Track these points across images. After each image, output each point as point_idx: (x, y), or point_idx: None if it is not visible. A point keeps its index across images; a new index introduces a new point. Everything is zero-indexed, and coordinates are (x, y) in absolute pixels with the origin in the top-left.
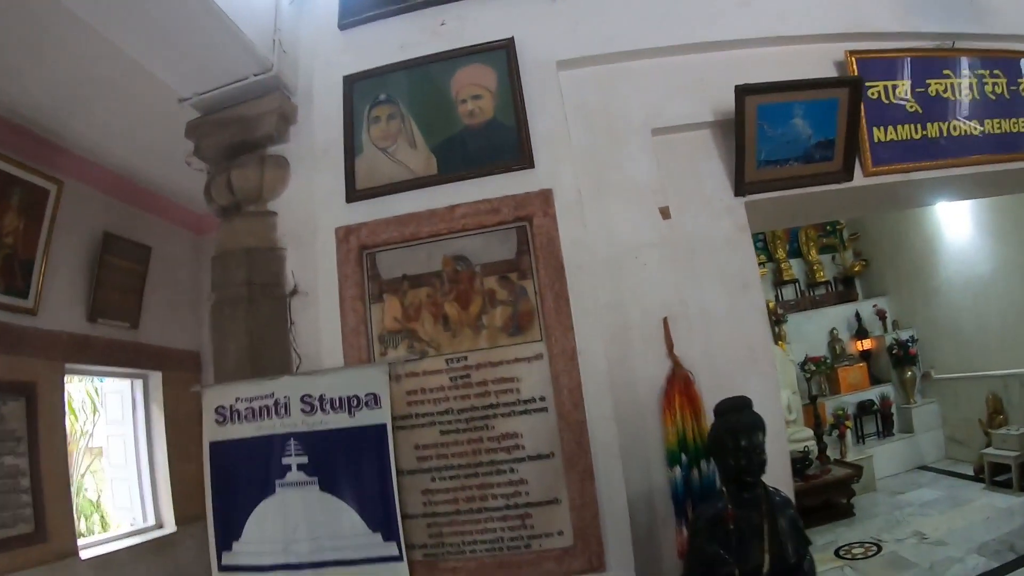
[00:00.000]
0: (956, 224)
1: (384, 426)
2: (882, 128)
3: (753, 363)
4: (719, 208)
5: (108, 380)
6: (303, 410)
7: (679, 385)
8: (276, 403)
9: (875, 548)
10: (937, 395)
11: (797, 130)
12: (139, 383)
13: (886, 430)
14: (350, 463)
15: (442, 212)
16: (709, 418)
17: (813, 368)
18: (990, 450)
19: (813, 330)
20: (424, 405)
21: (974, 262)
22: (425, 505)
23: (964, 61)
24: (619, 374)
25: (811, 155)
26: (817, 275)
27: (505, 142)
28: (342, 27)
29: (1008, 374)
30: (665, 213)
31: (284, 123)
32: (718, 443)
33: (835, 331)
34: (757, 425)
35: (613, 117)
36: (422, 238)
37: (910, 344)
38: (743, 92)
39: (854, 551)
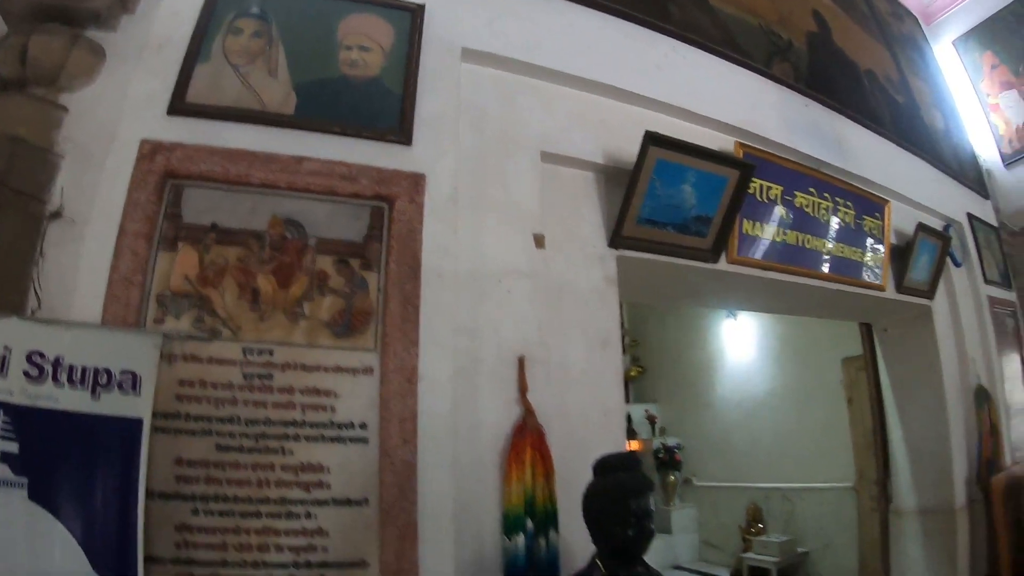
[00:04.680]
0: (738, 346)
1: (139, 422)
2: (751, 222)
3: (607, 429)
4: (592, 254)
5: None
6: (27, 373)
7: (531, 437)
8: None
9: None
10: (696, 501)
11: (683, 197)
12: None
13: None
14: (81, 466)
15: (286, 161)
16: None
17: None
18: (750, 555)
19: None
20: (201, 404)
21: (750, 383)
22: (179, 547)
23: (827, 185)
24: (463, 414)
25: (688, 226)
26: None
27: (384, 108)
28: None
29: (770, 487)
30: (539, 242)
31: (120, 8)
32: (601, 506)
33: None
34: (649, 488)
35: (506, 127)
36: (251, 185)
37: (676, 450)
38: (652, 139)
39: None
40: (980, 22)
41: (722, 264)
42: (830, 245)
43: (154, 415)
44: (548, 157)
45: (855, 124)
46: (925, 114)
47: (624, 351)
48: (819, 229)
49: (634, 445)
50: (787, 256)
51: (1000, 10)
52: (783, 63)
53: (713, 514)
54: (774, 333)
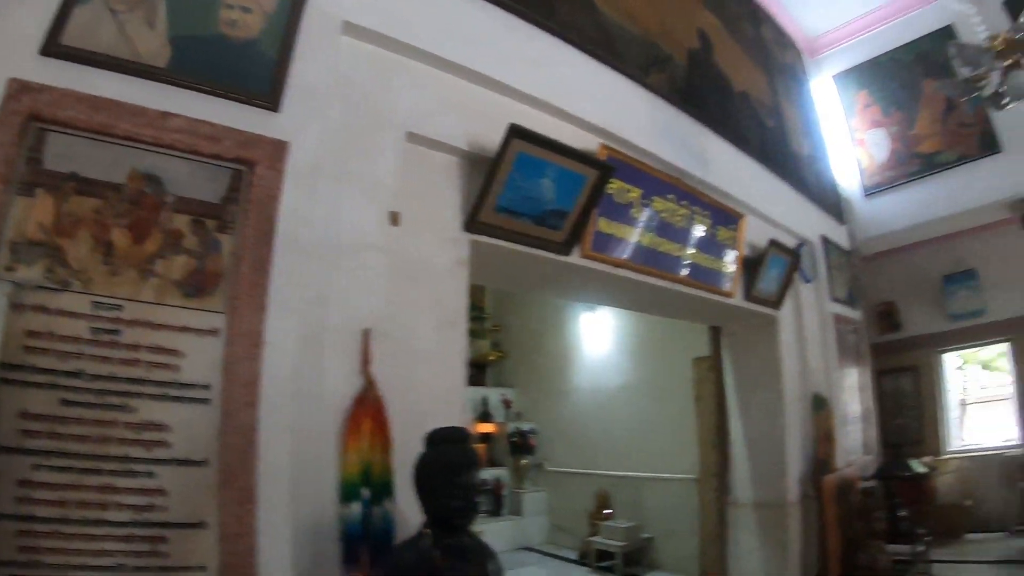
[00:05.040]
0: (595, 338)
1: None
2: (607, 220)
3: (449, 406)
4: (446, 237)
5: None
6: None
7: (371, 408)
8: None
9: None
10: (548, 485)
11: (542, 190)
12: None
13: (496, 510)
14: None
15: (153, 115)
16: (401, 453)
17: None
18: (597, 538)
19: None
20: (47, 357)
21: (605, 375)
22: (20, 503)
23: (686, 194)
24: (306, 381)
25: (544, 219)
26: None
27: (258, 71)
28: None
29: (619, 475)
30: (395, 219)
31: None
32: (429, 478)
33: None
34: (476, 462)
35: (377, 104)
36: (115, 136)
37: (530, 435)
38: (515, 132)
39: None
40: (861, 62)
41: (574, 258)
42: (683, 250)
43: (0, 366)
44: (414, 138)
45: (722, 140)
46: (793, 140)
47: (485, 336)
48: (674, 234)
49: (489, 428)
50: (640, 256)
51: (881, 55)
52: (660, 74)
53: (563, 499)
54: (630, 329)
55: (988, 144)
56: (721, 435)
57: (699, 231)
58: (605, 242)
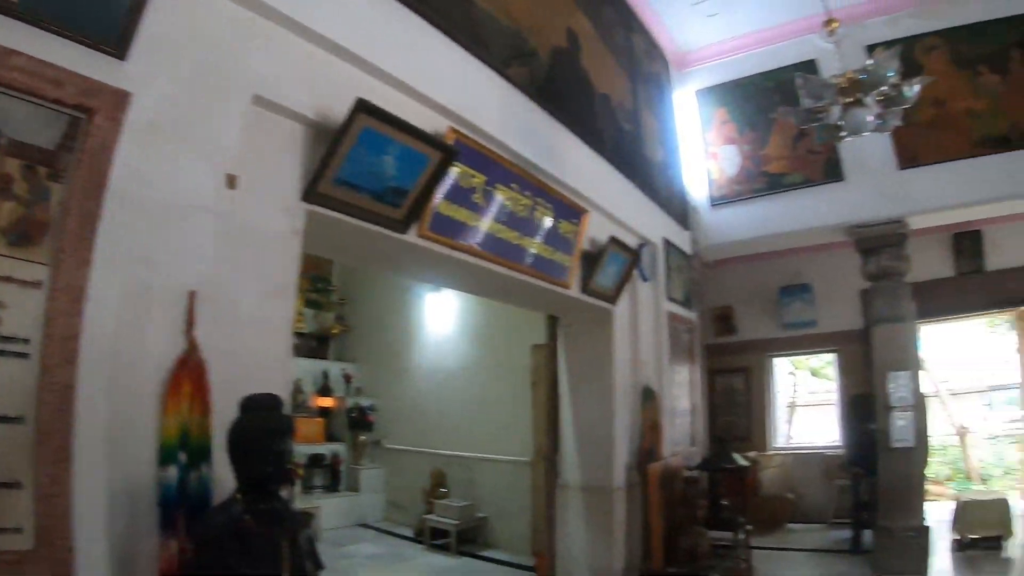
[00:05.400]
0: (439, 319)
1: None
2: (447, 203)
3: (272, 375)
4: (283, 205)
5: None
6: None
7: (192, 371)
8: None
9: None
10: (385, 462)
11: (384, 167)
12: None
13: (333, 485)
14: None
15: None
16: (221, 418)
17: None
18: (432, 516)
19: None
20: None
21: (446, 355)
22: None
23: (531, 185)
24: (128, 340)
25: (384, 196)
26: (298, 325)
27: (108, 16)
28: None
29: (455, 455)
30: (232, 182)
31: None
32: (242, 443)
33: (301, 382)
34: (289, 429)
35: (227, 64)
36: None
37: (369, 411)
38: (363, 107)
39: None
40: (724, 82)
41: (411, 236)
42: (523, 239)
43: None
44: (261, 101)
45: (575, 138)
46: (648, 145)
47: (331, 308)
48: (515, 223)
49: (328, 402)
50: (479, 241)
51: (744, 78)
52: (522, 67)
53: (401, 476)
54: (473, 312)
55: (832, 172)
56: (553, 420)
57: (540, 222)
58: (444, 224)
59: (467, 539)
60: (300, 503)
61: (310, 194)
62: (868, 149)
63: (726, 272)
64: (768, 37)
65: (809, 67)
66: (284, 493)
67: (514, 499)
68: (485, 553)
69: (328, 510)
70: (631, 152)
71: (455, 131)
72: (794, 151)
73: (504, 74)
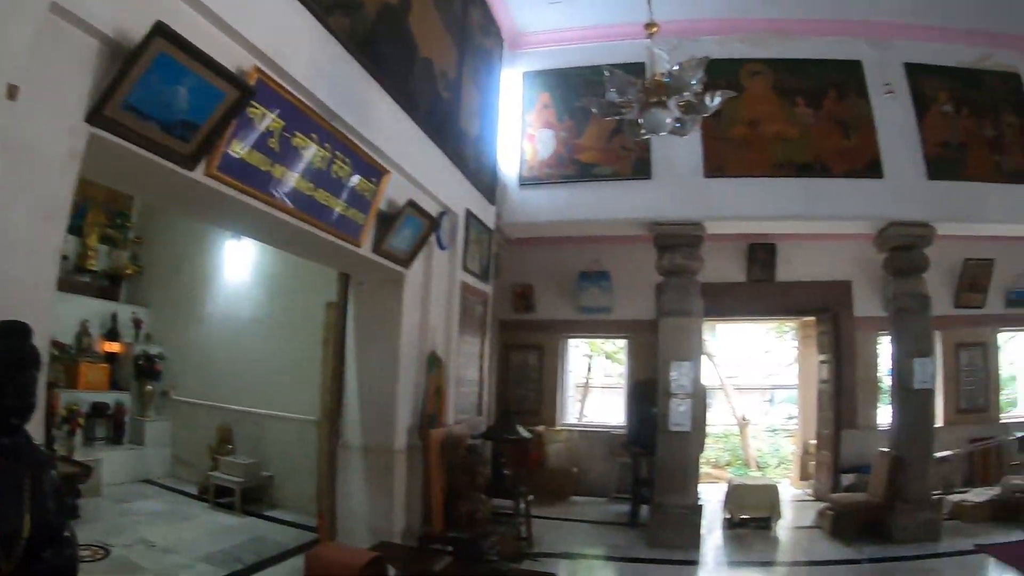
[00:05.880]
0: (236, 267)
1: None
2: (241, 144)
3: (31, 306)
4: (64, 125)
5: None
6: None
7: None
8: None
9: (103, 552)
10: (173, 415)
11: (177, 98)
12: None
13: (116, 438)
14: None
15: None
16: None
17: (56, 354)
18: (217, 474)
19: (65, 314)
20: None
21: (240, 306)
22: None
23: (331, 137)
24: None
25: (173, 128)
26: (89, 261)
27: None
28: None
29: (242, 410)
30: (13, 93)
31: None
32: None
33: (87, 323)
34: (35, 361)
35: None
36: None
37: (157, 360)
38: (161, 30)
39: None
40: (552, 68)
41: (198, 174)
42: (316, 191)
43: None
44: (58, 9)
45: (388, 97)
46: (464, 117)
47: (126, 246)
48: (310, 173)
49: (115, 347)
50: (269, 187)
51: (573, 67)
52: (343, 18)
53: (188, 430)
54: (271, 263)
55: (642, 170)
56: (338, 379)
57: (337, 176)
58: (235, 166)
59: (253, 498)
60: (80, 455)
61: (95, 116)
62: (679, 154)
63: (529, 251)
64: (604, 34)
65: (637, 69)
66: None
67: (301, 458)
68: (271, 513)
69: (110, 464)
70: (445, 120)
71: (260, 71)
72: (608, 144)
73: (324, 21)
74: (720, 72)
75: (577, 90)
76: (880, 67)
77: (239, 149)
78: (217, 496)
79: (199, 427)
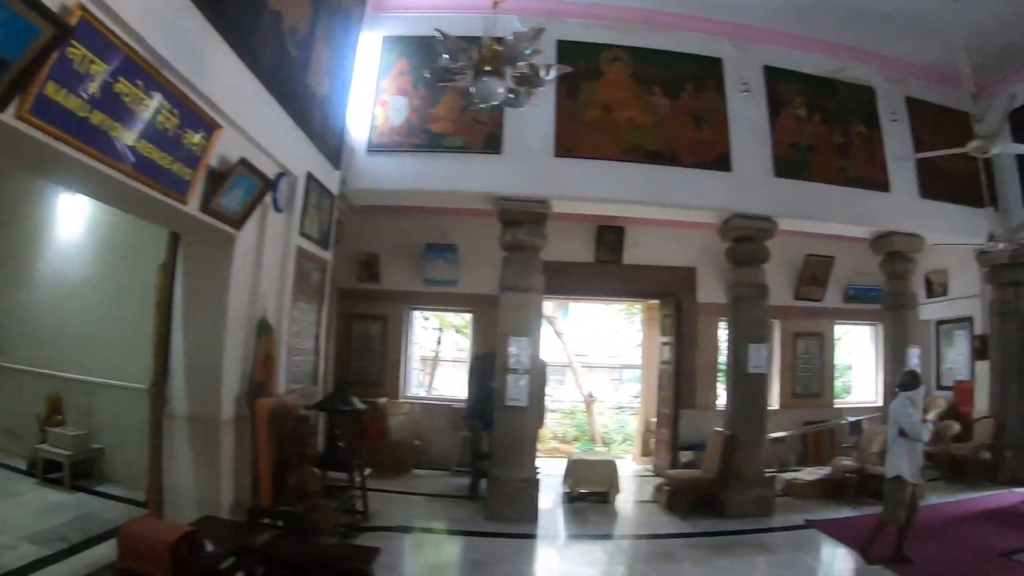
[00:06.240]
0: (67, 224)
1: None
2: (59, 88)
3: None
4: None
5: None
6: None
7: None
8: None
9: None
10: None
11: None
12: None
13: None
14: None
15: None
16: None
17: None
18: (45, 447)
19: None
20: None
21: (70, 265)
22: None
23: (159, 86)
24: None
25: None
26: None
27: None
28: None
29: (72, 378)
30: None
31: None
32: None
33: None
34: None
35: None
36: None
37: None
38: None
39: None
40: (412, 35)
41: (8, 116)
42: (138, 142)
43: None
44: None
45: (229, 49)
46: (312, 76)
47: None
48: (131, 122)
49: None
50: (87, 136)
51: (431, 35)
52: None
53: (15, 399)
54: (104, 222)
55: (492, 144)
56: (164, 345)
57: (163, 127)
58: (50, 109)
59: (83, 472)
60: None
61: None
62: (531, 131)
63: (375, 220)
64: (468, 4)
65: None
66: None
67: (133, 429)
68: (101, 488)
69: None
70: (291, 78)
71: (84, 10)
72: (460, 116)
73: None
74: (581, 55)
75: (435, 61)
76: (740, 67)
77: (55, 92)
78: (46, 471)
79: (28, 396)
